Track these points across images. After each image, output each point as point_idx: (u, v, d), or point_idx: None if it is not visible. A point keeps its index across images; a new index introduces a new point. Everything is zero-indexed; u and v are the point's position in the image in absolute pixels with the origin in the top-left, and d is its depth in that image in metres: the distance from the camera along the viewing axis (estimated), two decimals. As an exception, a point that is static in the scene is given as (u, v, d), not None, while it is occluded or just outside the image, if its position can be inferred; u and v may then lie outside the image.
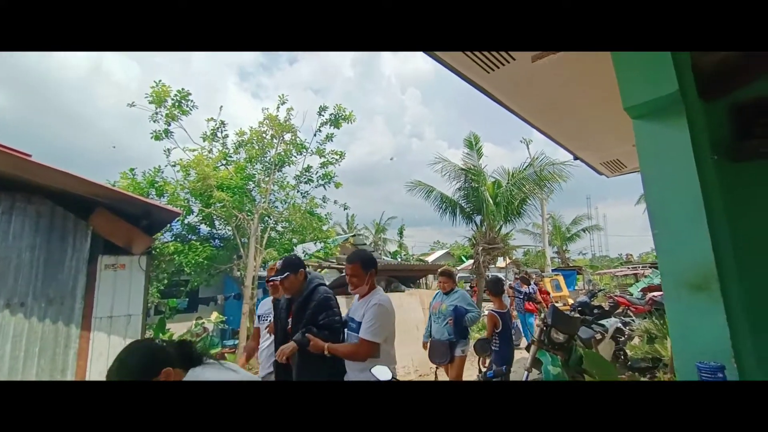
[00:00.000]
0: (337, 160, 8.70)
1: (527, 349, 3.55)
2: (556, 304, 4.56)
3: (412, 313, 6.55)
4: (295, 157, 8.55)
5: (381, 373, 1.71)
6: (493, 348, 3.61)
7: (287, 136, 8.34)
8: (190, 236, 8.46)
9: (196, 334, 7.84)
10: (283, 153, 8.32)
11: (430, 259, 25.67)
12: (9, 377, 3.29)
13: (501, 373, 3.18)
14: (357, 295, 2.25)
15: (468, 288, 14.61)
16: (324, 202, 9.08)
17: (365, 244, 13.96)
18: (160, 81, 7.45)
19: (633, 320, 6.17)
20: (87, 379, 3.67)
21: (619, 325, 4.97)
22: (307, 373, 2.16)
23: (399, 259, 19.78)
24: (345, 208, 9.81)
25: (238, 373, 1.34)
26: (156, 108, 7.45)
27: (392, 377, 1.77)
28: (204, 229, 8.83)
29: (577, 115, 2.79)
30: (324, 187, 8.82)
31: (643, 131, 1.42)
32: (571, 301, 10.29)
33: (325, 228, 9.33)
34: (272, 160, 8.21)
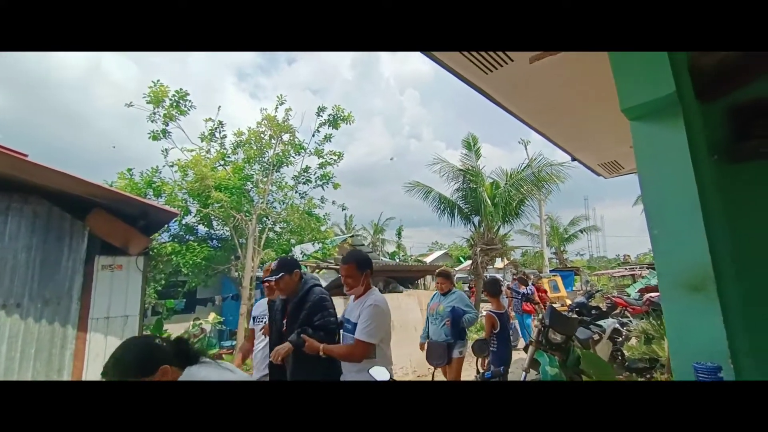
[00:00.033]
0: (335, 160, 8.70)
1: (525, 349, 3.56)
2: (554, 305, 4.57)
3: (410, 313, 6.55)
4: (294, 157, 8.54)
5: (379, 373, 1.70)
6: (491, 349, 3.61)
7: (285, 137, 8.33)
8: (187, 237, 8.43)
9: (193, 335, 7.81)
10: (281, 153, 8.30)
11: (428, 259, 25.68)
12: (5, 378, 3.27)
13: (499, 374, 3.19)
14: (352, 296, 2.24)
15: (466, 289, 14.63)
16: (322, 202, 9.07)
17: (363, 244, 13.95)
18: (158, 81, 7.43)
19: (630, 321, 6.19)
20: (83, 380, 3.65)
21: (617, 325, 4.99)
22: (301, 374, 2.16)
23: (397, 260, 19.78)
24: (343, 209, 9.79)
25: (235, 372, 1.34)
26: (154, 108, 7.43)
27: (390, 378, 1.77)
28: (202, 229, 8.81)
29: (575, 117, 2.80)
30: (322, 187, 8.82)
31: (641, 132, 1.43)
32: (568, 302, 10.30)
33: (323, 228, 9.32)
34: (270, 160, 8.20)
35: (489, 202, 10.73)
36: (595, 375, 3.18)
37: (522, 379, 3.27)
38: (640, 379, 4.34)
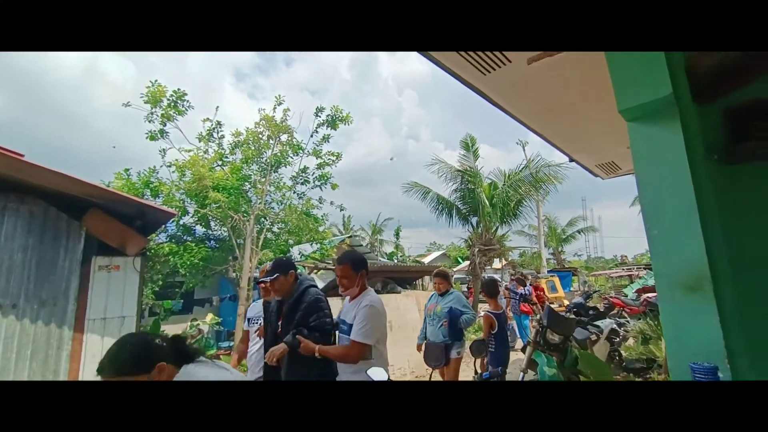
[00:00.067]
0: (333, 161, 8.70)
1: (523, 350, 3.56)
2: (552, 306, 4.58)
3: (408, 314, 6.55)
4: (292, 158, 8.53)
5: (377, 374, 1.70)
6: (489, 349, 3.61)
7: (284, 137, 8.32)
8: (185, 237, 8.41)
9: (191, 336, 7.77)
10: (279, 154, 8.29)
11: (426, 260, 25.68)
12: (0, 379, 3.25)
13: (497, 375, 3.19)
14: (348, 297, 2.23)
15: (465, 289, 14.65)
16: (320, 203, 9.07)
17: (362, 245, 13.94)
18: (156, 81, 7.42)
19: (628, 321, 6.22)
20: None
21: (614, 326, 5.00)
22: (296, 376, 2.14)
23: (395, 261, 19.80)
24: (341, 210, 9.80)
25: (231, 372, 1.33)
26: (151, 108, 7.41)
27: (387, 379, 1.77)
28: (199, 230, 8.79)
29: (573, 118, 2.81)
30: (320, 188, 8.82)
31: (638, 134, 1.43)
32: (566, 303, 10.33)
33: (321, 229, 9.32)
34: (268, 160, 8.18)
35: (487, 202, 10.74)
36: (593, 375, 3.19)
37: (520, 379, 3.28)
38: (637, 380, 4.36)
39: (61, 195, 3.65)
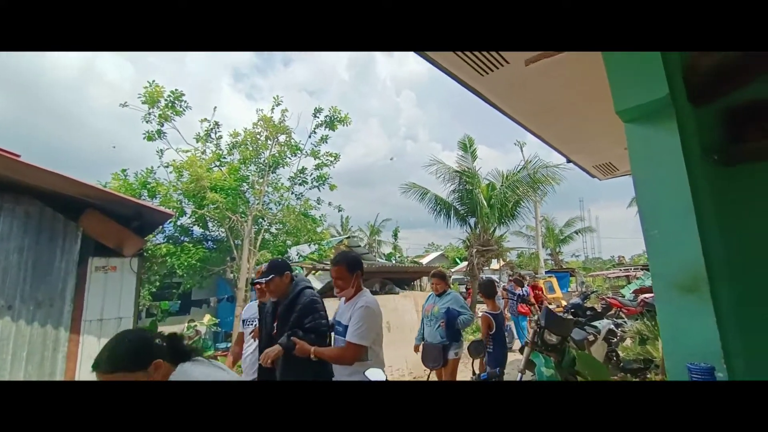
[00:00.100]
0: (331, 161, 8.69)
1: (521, 351, 3.57)
2: (550, 306, 4.59)
3: (407, 315, 6.54)
4: (290, 158, 8.52)
5: (375, 375, 1.70)
6: (487, 350, 3.61)
7: (282, 138, 8.31)
8: (182, 238, 8.39)
9: (188, 337, 7.75)
10: (277, 154, 8.28)
11: (424, 261, 25.67)
12: (-5, 381, 3.23)
13: (495, 375, 3.19)
14: (343, 298, 2.21)
15: (463, 290, 14.65)
16: (318, 203, 9.06)
17: (360, 246, 13.92)
18: (153, 81, 7.40)
19: (625, 322, 6.23)
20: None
21: (612, 326, 5.01)
22: (291, 378, 2.13)
23: (393, 261, 19.77)
24: (339, 210, 9.80)
25: (227, 372, 1.33)
26: (149, 108, 7.39)
27: (385, 380, 1.76)
28: (197, 230, 8.77)
29: (571, 119, 2.82)
30: (318, 188, 8.81)
31: (635, 135, 1.44)
32: (564, 303, 10.35)
33: (319, 230, 9.31)
34: (266, 161, 8.17)
35: (485, 203, 10.76)
36: (590, 376, 3.20)
37: (518, 380, 3.28)
38: (634, 380, 4.37)
39: (57, 195, 3.63)
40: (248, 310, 3.04)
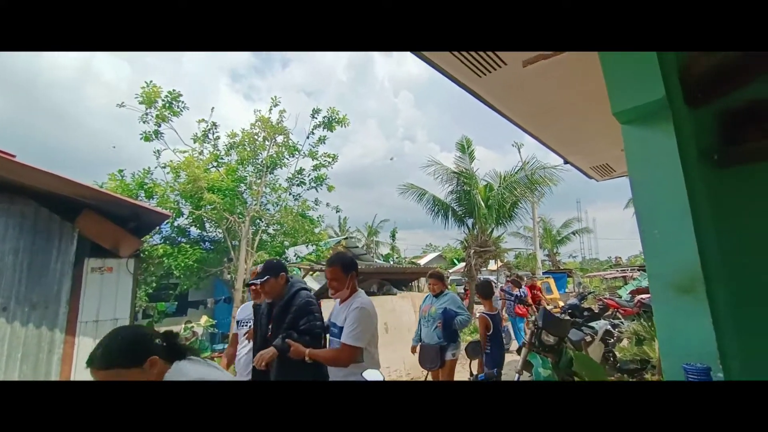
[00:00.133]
0: (329, 162, 8.69)
1: (518, 352, 3.57)
2: (547, 307, 4.60)
3: (404, 316, 6.54)
4: (288, 159, 8.52)
5: (372, 376, 1.70)
6: (485, 351, 3.61)
7: (279, 138, 8.30)
8: (179, 239, 8.35)
9: (185, 338, 7.72)
10: (275, 155, 8.27)
11: (422, 261, 25.70)
12: (-10, 383, 3.20)
13: (492, 376, 3.19)
14: (338, 300, 2.20)
15: (462, 291, 14.66)
16: (316, 204, 9.05)
17: (357, 246, 13.93)
18: (150, 81, 7.38)
19: (622, 322, 6.25)
20: (71, 384, 3.59)
21: (609, 327, 5.03)
22: (286, 380, 2.11)
23: (391, 262, 19.77)
24: (337, 211, 9.80)
25: (223, 372, 1.32)
26: (146, 109, 7.37)
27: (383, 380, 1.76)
28: (194, 231, 8.73)
29: (568, 120, 2.83)
30: (316, 189, 8.80)
31: (632, 136, 1.44)
32: (561, 304, 10.38)
33: (317, 231, 9.30)
34: (264, 162, 8.16)
35: (483, 204, 10.78)
36: (588, 376, 3.20)
37: (515, 380, 3.28)
38: (631, 380, 4.38)
39: (53, 196, 3.61)
40: (242, 311, 3.02)
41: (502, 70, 2.15)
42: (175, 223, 8.23)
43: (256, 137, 8.17)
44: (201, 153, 8.11)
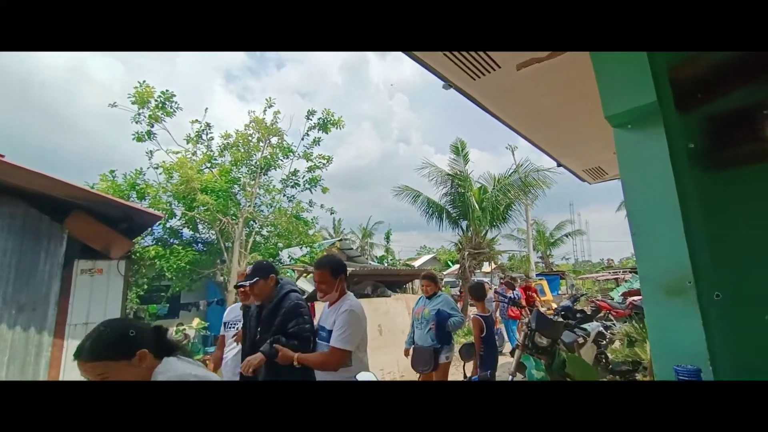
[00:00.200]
0: (324, 164, 8.68)
1: (511, 354, 3.58)
2: (540, 309, 4.62)
3: (398, 318, 6.53)
4: (282, 160, 8.49)
5: (366, 378, 1.69)
6: (479, 353, 3.61)
7: (274, 140, 8.28)
8: (172, 240, 8.28)
9: (177, 341, 7.62)
10: (269, 156, 8.24)
11: (416, 263, 25.71)
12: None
13: (486, 378, 3.20)
14: (327, 303, 2.16)
15: (457, 293, 14.68)
16: (310, 206, 9.02)
17: (352, 248, 13.89)
18: (144, 81, 7.32)
19: (614, 324, 6.30)
20: (59, 388, 3.52)
21: (601, 329, 5.07)
22: None
23: (386, 264, 19.77)
24: (331, 213, 9.79)
25: (211, 373, 1.31)
26: (139, 109, 7.30)
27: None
28: (186, 232, 8.66)
29: (561, 123, 2.85)
30: (310, 191, 8.78)
31: (623, 139, 1.46)
32: (554, 306, 10.45)
33: (311, 232, 9.27)
34: (258, 163, 8.12)
35: (477, 206, 10.83)
36: (580, 378, 3.22)
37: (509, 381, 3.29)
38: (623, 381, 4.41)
39: (42, 196, 3.56)
40: (230, 312, 2.97)
41: (496, 73, 2.16)
42: (168, 225, 8.16)
43: (250, 138, 8.14)
44: (194, 154, 8.06)
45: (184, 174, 7.15)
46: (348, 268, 7.57)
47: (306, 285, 7.77)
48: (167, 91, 7.50)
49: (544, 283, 13.89)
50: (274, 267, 2.40)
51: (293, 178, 8.63)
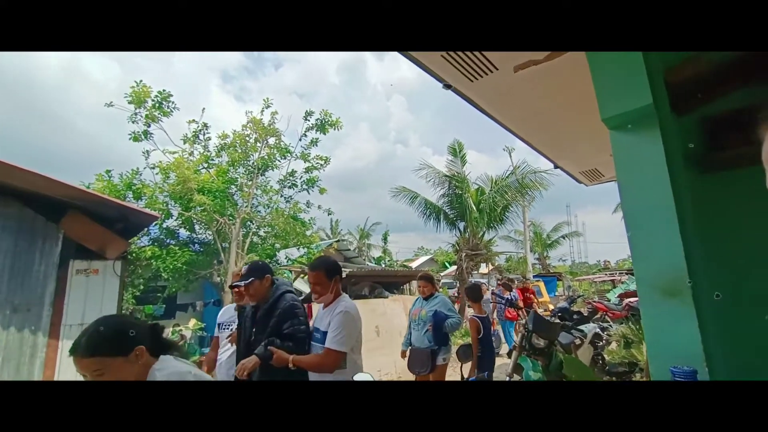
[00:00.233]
0: (321, 165, 8.66)
1: (509, 355, 3.59)
2: (537, 310, 4.64)
3: (396, 319, 6.53)
4: (279, 161, 8.47)
5: (363, 379, 1.69)
6: (477, 354, 3.61)
7: (271, 140, 8.26)
8: (168, 240, 8.23)
9: (173, 342, 7.58)
10: (266, 157, 8.22)
11: (414, 264, 25.71)
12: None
13: (483, 380, 3.20)
14: (321, 304, 2.15)
15: (455, 294, 14.69)
16: (308, 207, 9.00)
17: (349, 249, 13.89)
18: (140, 81, 7.29)
19: (610, 325, 6.32)
20: (54, 390, 3.50)
21: (598, 330, 5.09)
22: None
23: (383, 265, 19.77)
24: (329, 214, 9.77)
25: (206, 375, 1.31)
26: (135, 108, 7.27)
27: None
28: (183, 233, 8.62)
29: (558, 125, 2.87)
30: (308, 191, 8.76)
31: (620, 142, 1.47)
32: (551, 307, 10.48)
33: (308, 233, 9.25)
34: (255, 163, 8.11)
35: (474, 207, 10.86)
36: (577, 379, 3.23)
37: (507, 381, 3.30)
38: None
39: (37, 196, 3.53)
40: (224, 313, 2.93)
41: (493, 76, 2.17)
42: (164, 225, 8.11)
43: (247, 139, 8.12)
44: (191, 154, 8.03)
45: (180, 174, 7.13)
46: (345, 269, 7.57)
47: (303, 286, 7.75)
48: (164, 90, 7.48)
49: (541, 284, 13.92)
50: (269, 267, 2.37)
51: (291, 178, 8.61)
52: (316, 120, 8.39)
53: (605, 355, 5.11)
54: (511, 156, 13.50)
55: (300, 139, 8.49)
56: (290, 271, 8.31)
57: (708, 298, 1.27)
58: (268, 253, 8.53)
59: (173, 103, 7.56)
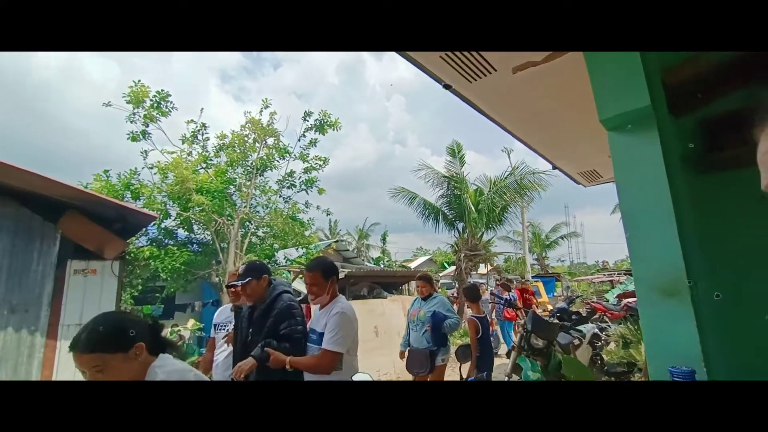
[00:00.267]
0: (320, 165, 8.66)
1: (507, 355, 3.59)
2: (536, 311, 4.65)
3: (394, 319, 6.53)
4: (278, 161, 8.47)
5: (362, 379, 1.69)
6: (476, 354, 3.61)
7: (270, 141, 8.26)
8: (166, 241, 8.22)
9: (172, 342, 7.56)
10: (265, 157, 8.22)
11: (412, 265, 25.70)
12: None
13: (482, 380, 3.21)
14: (318, 306, 2.14)
15: (454, 295, 14.70)
16: (306, 207, 8.99)
17: (348, 249, 13.88)
18: (139, 81, 7.28)
19: (609, 326, 6.34)
20: (51, 390, 3.48)
21: (596, 330, 5.09)
22: None
23: (382, 266, 19.76)
24: (328, 214, 9.76)
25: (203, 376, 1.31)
26: (134, 108, 7.26)
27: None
28: (182, 233, 8.61)
29: (556, 126, 2.87)
30: (307, 192, 8.76)
31: (618, 143, 1.47)
32: (550, 308, 10.49)
33: (307, 234, 9.25)
34: (254, 164, 8.10)
35: (473, 208, 10.87)
36: (576, 379, 3.24)
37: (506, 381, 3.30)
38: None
39: (35, 196, 3.52)
40: (221, 314, 2.91)
41: (492, 77, 2.17)
42: (162, 225, 8.10)
43: (246, 139, 8.12)
44: (189, 154, 8.02)
45: (179, 174, 7.12)
46: (344, 270, 7.56)
47: (302, 286, 7.75)
48: (162, 90, 7.48)
49: (540, 285, 13.94)
50: (267, 267, 2.35)
51: (289, 179, 8.61)
52: (315, 120, 8.39)
53: (604, 356, 5.12)
54: (509, 157, 13.53)
55: (299, 140, 8.49)
56: (289, 272, 8.31)
57: (706, 298, 1.28)
58: (267, 254, 8.52)
59: (172, 103, 7.57)
